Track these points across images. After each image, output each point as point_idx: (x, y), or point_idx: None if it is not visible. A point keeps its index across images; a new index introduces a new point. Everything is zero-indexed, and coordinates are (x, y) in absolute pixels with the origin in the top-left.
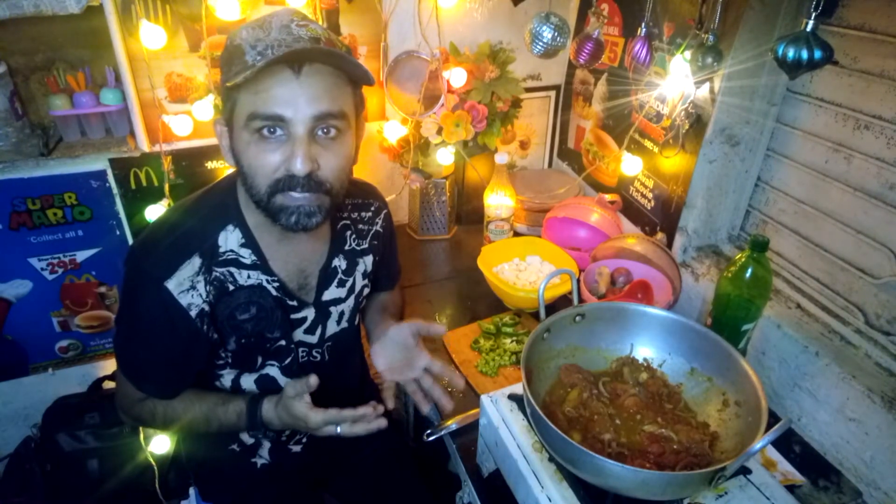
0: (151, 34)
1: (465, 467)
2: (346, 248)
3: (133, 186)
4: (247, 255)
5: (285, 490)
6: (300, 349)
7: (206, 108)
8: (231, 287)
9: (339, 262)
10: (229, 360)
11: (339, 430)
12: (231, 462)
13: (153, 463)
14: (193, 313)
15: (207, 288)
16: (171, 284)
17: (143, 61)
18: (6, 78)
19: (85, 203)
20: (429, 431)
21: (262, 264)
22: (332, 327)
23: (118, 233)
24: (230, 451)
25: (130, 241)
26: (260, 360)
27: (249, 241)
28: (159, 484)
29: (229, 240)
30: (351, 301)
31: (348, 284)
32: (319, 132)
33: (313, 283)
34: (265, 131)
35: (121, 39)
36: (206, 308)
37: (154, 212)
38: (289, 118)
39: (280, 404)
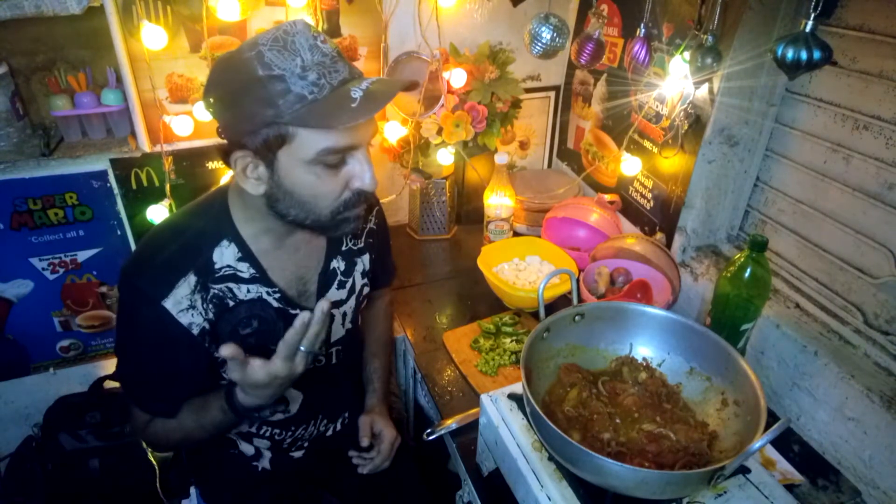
0: (152, 35)
1: (465, 466)
2: (343, 248)
3: (134, 186)
4: (245, 270)
5: (286, 490)
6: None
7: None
8: (231, 303)
9: (338, 264)
10: None
11: (302, 348)
12: (232, 464)
13: (154, 462)
14: (195, 332)
15: (206, 306)
16: (170, 304)
17: (144, 62)
18: (7, 78)
19: (86, 203)
20: (429, 431)
21: (261, 277)
22: (337, 331)
23: (119, 233)
24: (231, 454)
25: (131, 242)
26: None
27: (246, 255)
28: (160, 483)
29: (225, 255)
30: (352, 301)
31: (348, 285)
32: None
33: (313, 288)
34: (336, 161)
35: (122, 40)
36: (207, 326)
37: (155, 212)
38: (359, 144)
39: (245, 387)
